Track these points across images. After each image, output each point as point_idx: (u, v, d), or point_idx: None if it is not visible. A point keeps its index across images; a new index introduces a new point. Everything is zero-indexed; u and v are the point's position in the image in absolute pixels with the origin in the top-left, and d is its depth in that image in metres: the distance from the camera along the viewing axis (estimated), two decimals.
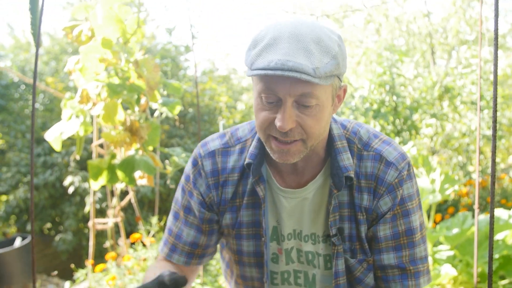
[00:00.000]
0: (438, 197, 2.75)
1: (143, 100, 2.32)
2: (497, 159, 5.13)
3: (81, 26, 2.26)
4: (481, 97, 4.22)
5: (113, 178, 2.31)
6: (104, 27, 2.11)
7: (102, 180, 2.31)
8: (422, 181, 2.95)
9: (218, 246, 1.23)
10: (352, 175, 1.03)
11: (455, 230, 2.50)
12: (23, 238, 4.49)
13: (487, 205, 3.65)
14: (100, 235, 4.34)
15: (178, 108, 2.46)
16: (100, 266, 2.78)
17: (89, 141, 4.40)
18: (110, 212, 3.06)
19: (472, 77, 4.68)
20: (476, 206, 1.81)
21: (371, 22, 8.34)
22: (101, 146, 2.99)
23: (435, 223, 3.28)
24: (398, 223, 1.05)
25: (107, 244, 3.31)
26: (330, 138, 1.06)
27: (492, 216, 1.04)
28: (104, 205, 4.52)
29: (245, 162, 1.06)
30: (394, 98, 4.40)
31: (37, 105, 5.66)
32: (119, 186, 2.90)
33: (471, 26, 7.07)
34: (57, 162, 4.87)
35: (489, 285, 1.03)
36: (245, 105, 6.35)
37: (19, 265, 4.20)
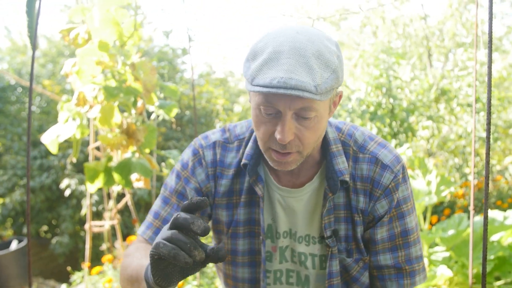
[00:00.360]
0: (434, 199, 2.76)
1: (139, 103, 2.32)
2: (493, 161, 5.14)
3: (78, 28, 2.26)
4: (477, 100, 4.23)
5: (109, 181, 2.30)
6: (101, 30, 2.11)
7: (99, 182, 2.31)
8: (418, 183, 2.95)
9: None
10: (347, 179, 1.04)
11: (451, 232, 2.51)
12: (20, 241, 4.48)
13: (483, 207, 3.65)
14: (97, 237, 4.33)
15: (175, 111, 2.46)
16: (97, 269, 2.78)
17: (85, 143, 4.40)
18: (106, 214, 3.06)
19: (469, 79, 4.69)
20: (471, 208, 1.81)
21: (368, 24, 8.38)
22: (97, 148, 2.99)
23: (431, 224, 3.29)
24: (394, 225, 1.07)
25: (104, 246, 3.30)
26: (325, 142, 1.07)
27: (486, 218, 1.05)
28: (100, 207, 4.51)
29: (241, 163, 1.07)
30: (391, 100, 4.41)
31: (33, 108, 5.65)
32: (116, 189, 2.90)
33: (467, 28, 7.10)
34: (53, 165, 4.86)
35: (483, 286, 1.04)
36: (242, 108, 6.36)
37: (15, 268, 4.20)
